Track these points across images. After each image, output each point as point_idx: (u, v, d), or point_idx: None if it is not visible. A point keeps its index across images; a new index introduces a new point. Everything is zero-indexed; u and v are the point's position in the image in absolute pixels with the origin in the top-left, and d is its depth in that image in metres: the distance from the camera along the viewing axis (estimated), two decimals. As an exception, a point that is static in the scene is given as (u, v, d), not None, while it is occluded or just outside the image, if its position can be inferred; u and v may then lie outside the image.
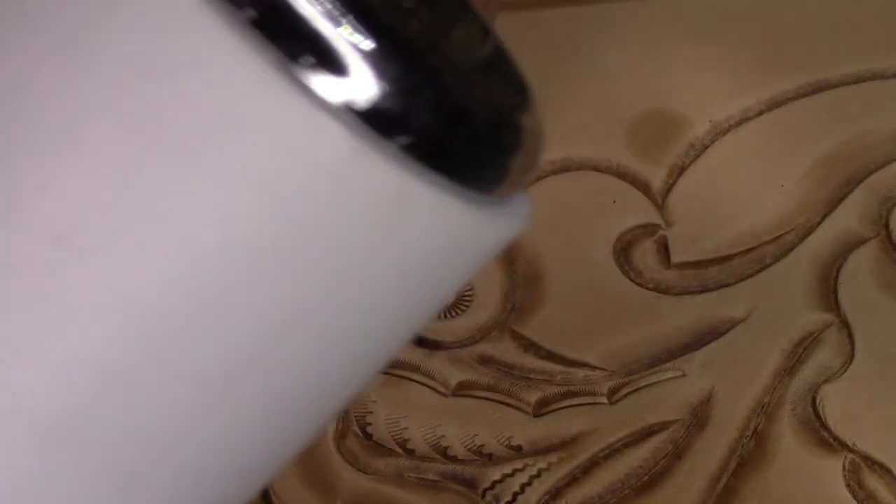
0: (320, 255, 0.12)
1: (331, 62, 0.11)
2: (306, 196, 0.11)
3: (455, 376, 0.27)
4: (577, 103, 0.31)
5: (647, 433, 0.26)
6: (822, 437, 0.26)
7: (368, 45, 0.11)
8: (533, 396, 0.26)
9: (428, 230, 0.12)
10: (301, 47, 0.11)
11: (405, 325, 0.13)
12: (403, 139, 0.11)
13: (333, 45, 0.11)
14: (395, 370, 0.27)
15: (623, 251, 0.28)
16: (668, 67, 0.31)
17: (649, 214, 0.29)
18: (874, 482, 0.25)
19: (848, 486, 0.25)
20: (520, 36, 0.32)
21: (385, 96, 0.11)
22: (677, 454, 0.25)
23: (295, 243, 0.11)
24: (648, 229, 0.29)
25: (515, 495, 0.25)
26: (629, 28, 0.32)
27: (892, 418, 0.26)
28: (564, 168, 0.30)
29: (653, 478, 0.25)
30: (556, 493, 0.25)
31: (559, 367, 0.27)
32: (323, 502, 0.25)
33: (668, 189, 0.29)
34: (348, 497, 0.25)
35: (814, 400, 0.26)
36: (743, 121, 0.30)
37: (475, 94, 0.12)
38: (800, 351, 0.27)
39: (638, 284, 0.28)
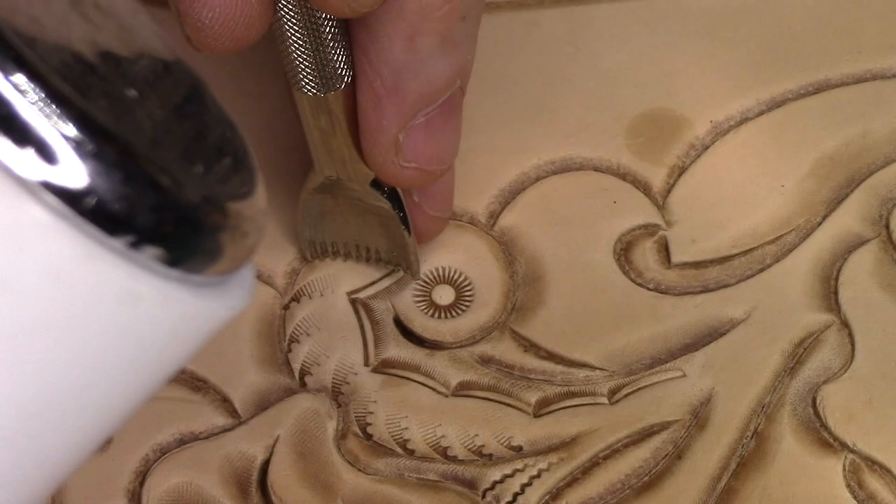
0: (51, 349, 0.12)
1: (50, 159, 0.12)
2: (36, 295, 0.12)
3: (455, 376, 0.27)
4: (577, 103, 0.31)
5: (647, 433, 0.26)
6: (823, 437, 0.26)
7: (89, 147, 0.12)
8: (533, 397, 0.26)
9: (155, 320, 0.13)
10: (37, 167, 0.12)
11: (132, 401, 0.14)
12: (129, 238, 0.12)
13: (65, 170, 0.12)
14: (396, 370, 0.27)
15: (623, 251, 0.28)
16: (668, 67, 0.31)
17: (649, 214, 0.29)
18: (874, 482, 0.25)
19: (848, 486, 0.25)
20: (520, 36, 0.32)
21: (107, 198, 0.12)
22: (677, 454, 0.25)
23: (26, 338, 0.12)
24: (648, 229, 0.29)
25: (516, 496, 0.25)
26: (629, 28, 0.32)
27: (892, 418, 0.26)
28: (564, 168, 0.30)
29: (653, 478, 0.25)
30: (556, 493, 0.25)
31: (559, 368, 0.27)
32: (323, 502, 0.25)
33: (669, 189, 0.29)
34: (348, 497, 0.25)
35: (814, 400, 0.26)
36: (743, 121, 0.30)
37: (190, 186, 0.13)
38: (800, 351, 0.27)
39: (638, 285, 0.28)
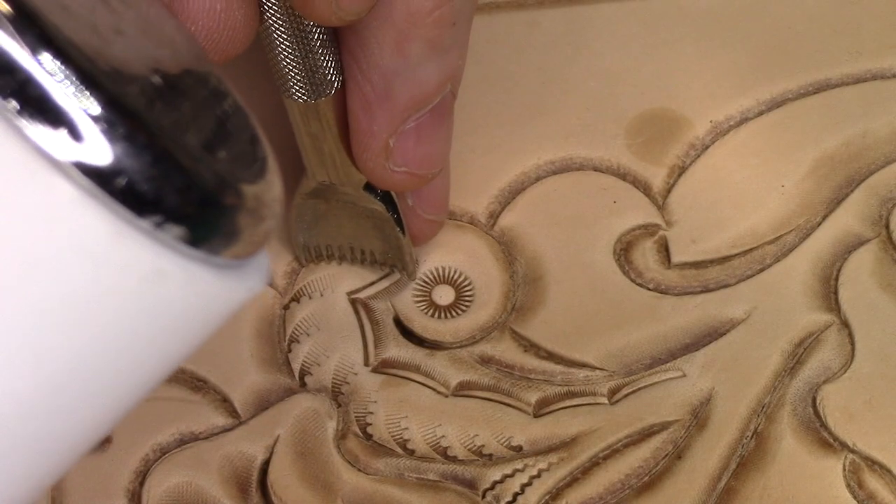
0: (80, 324, 0.13)
1: (83, 145, 0.12)
2: (69, 271, 0.12)
3: (455, 376, 0.27)
4: (577, 103, 0.31)
5: (647, 433, 0.26)
6: (823, 437, 0.26)
7: (120, 129, 0.12)
8: (533, 396, 0.26)
9: (180, 298, 0.14)
10: (69, 148, 0.12)
11: (153, 378, 0.15)
12: (156, 219, 0.13)
13: (96, 151, 0.12)
14: (396, 370, 0.27)
15: (623, 251, 0.28)
16: (668, 67, 0.31)
17: (649, 214, 0.29)
18: (874, 482, 0.25)
19: (848, 486, 0.25)
20: (520, 36, 0.32)
21: (136, 179, 0.12)
22: (677, 454, 0.25)
23: (58, 313, 0.13)
24: (648, 229, 0.29)
25: (515, 496, 0.25)
26: (629, 28, 0.32)
27: (892, 418, 0.26)
28: (564, 168, 0.30)
29: (653, 478, 0.25)
30: (556, 493, 0.25)
31: (559, 368, 0.27)
32: (323, 502, 0.25)
33: (669, 189, 0.29)
34: (348, 497, 0.25)
35: (814, 400, 0.26)
36: (743, 121, 0.30)
37: (212, 168, 0.13)
38: (800, 351, 0.27)
39: (638, 285, 0.28)
